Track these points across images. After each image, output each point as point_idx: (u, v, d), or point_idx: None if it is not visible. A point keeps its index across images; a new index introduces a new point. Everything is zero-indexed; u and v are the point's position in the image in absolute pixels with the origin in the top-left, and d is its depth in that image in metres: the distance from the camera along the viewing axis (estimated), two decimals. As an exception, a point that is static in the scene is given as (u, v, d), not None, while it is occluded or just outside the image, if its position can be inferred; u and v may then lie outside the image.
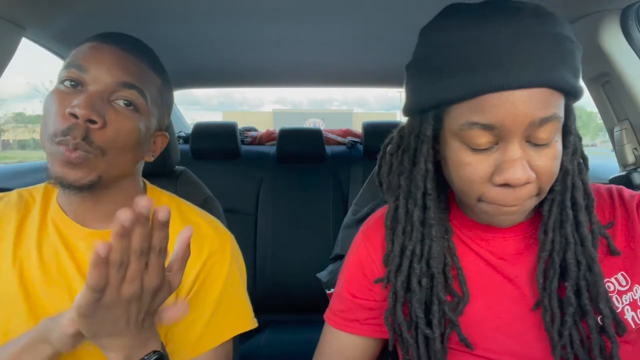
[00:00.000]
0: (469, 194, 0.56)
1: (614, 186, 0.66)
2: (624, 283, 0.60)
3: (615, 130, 1.08)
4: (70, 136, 0.61)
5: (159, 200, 0.78)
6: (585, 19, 0.98)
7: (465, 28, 0.51)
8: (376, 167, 0.71)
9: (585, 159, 0.61)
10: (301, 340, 1.56)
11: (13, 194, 0.76)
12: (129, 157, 0.68)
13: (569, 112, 0.55)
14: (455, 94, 0.52)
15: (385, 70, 1.77)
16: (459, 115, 0.53)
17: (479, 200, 0.56)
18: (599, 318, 0.57)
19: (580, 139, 0.60)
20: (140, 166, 0.76)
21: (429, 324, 0.61)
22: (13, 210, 0.73)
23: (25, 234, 0.71)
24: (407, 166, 0.62)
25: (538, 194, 0.55)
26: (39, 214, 0.72)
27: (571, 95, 0.54)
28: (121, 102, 0.65)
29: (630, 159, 1.06)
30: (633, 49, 0.98)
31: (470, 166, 0.54)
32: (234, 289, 0.74)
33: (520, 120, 0.50)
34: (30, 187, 0.77)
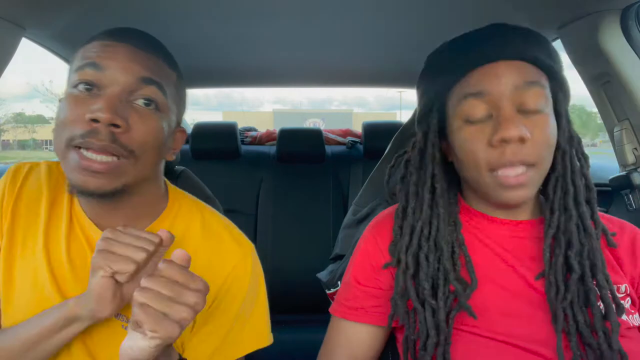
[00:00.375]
0: (478, 167, 0.62)
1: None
2: (622, 290, 0.65)
3: (615, 130, 1.08)
4: (93, 139, 0.58)
5: (181, 205, 0.75)
6: (585, 19, 0.98)
7: (456, 38, 0.67)
8: (385, 174, 0.78)
9: (585, 157, 0.68)
10: (301, 340, 1.55)
11: (42, 165, 0.73)
12: (155, 159, 0.66)
13: (556, 97, 0.64)
14: (449, 78, 0.64)
15: (385, 70, 1.77)
16: (455, 95, 0.64)
17: (490, 170, 0.61)
18: (600, 306, 0.61)
19: (569, 121, 0.67)
20: (162, 167, 0.73)
21: (434, 296, 0.64)
22: (44, 185, 0.71)
23: (55, 221, 0.69)
24: (417, 157, 0.70)
25: (535, 164, 0.60)
26: (66, 209, 0.70)
27: (552, 76, 0.63)
28: (141, 102, 0.62)
29: (630, 159, 1.05)
30: (633, 49, 0.98)
31: (471, 137, 0.62)
32: (253, 305, 0.74)
33: (504, 83, 0.60)
34: (58, 162, 0.71)
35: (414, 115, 1.02)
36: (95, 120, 0.58)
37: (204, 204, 0.79)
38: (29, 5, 0.91)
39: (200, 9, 1.08)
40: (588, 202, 0.66)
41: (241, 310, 0.71)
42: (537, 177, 0.62)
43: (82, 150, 0.59)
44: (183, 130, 0.74)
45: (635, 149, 1.04)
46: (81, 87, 0.61)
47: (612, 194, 1.16)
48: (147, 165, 0.65)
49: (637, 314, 0.64)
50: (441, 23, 1.14)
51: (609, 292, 0.61)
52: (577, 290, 0.61)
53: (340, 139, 2.29)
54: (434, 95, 0.67)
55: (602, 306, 0.61)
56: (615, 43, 0.97)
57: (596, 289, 0.61)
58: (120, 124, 0.59)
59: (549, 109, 0.62)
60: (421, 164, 0.70)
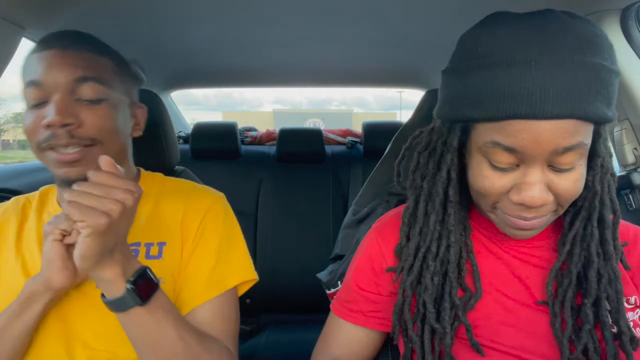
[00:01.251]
0: (484, 202, 0.59)
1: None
2: (632, 301, 0.62)
3: (615, 130, 1.08)
4: (55, 140, 0.66)
5: (153, 181, 0.84)
6: (585, 19, 0.98)
7: (504, 52, 0.50)
8: (394, 169, 0.73)
9: (614, 175, 0.61)
10: (301, 340, 1.55)
11: (9, 201, 0.82)
12: (119, 140, 0.74)
13: (598, 135, 0.55)
14: (482, 115, 0.53)
15: (385, 70, 1.77)
16: (484, 133, 0.54)
17: (494, 207, 0.58)
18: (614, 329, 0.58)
19: (611, 156, 0.60)
20: (130, 147, 0.81)
21: (438, 319, 0.62)
22: (12, 215, 0.79)
23: (25, 232, 0.76)
24: (432, 170, 0.63)
25: (556, 211, 0.56)
26: (35, 213, 0.78)
27: (602, 123, 0.54)
28: (84, 99, 0.69)
29: (630, 159, 1.05)
30: (633, 49, 0.98)
31: (488, 180, 0.55)
32: (231, 240, 0.81)
33: (543, 148, 0.50)
34: (27, 194, 0.84)
35: (414, 115, 1.02)
36: (51, 126, 0.65)
37: (176, 178, 0.89)
38: (29, 5, 0.91)
39: (200, 9, 1.08)
40: (613, 224, 0.60)
41: (220, 246, 0.78)
42: (552, 219, 0.58)
43: (52, 150, 0.67)
44: (141, 107, 0.81)
45: (635, 149, 1.04)
46: (32, 104, 0.69)
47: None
48: (115, 146, 0.73)
49: None
50: (441, 23, 1.14)
51: (628, 337, 0.57)
52: (590, 331, 0.58)
53: (340, 139, 2.28)
54: (460, 118, 0.57)
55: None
56: (615, 43, 0.97)
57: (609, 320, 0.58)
58: (71, 122, 0.66)
59: (584, 159, 0.55)
60: (434, 180, 0.63)
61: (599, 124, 0.53)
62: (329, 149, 2.15)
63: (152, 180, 0.85)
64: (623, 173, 1.10)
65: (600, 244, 0.59)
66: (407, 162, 0.69)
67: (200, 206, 0.80)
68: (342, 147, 2.21)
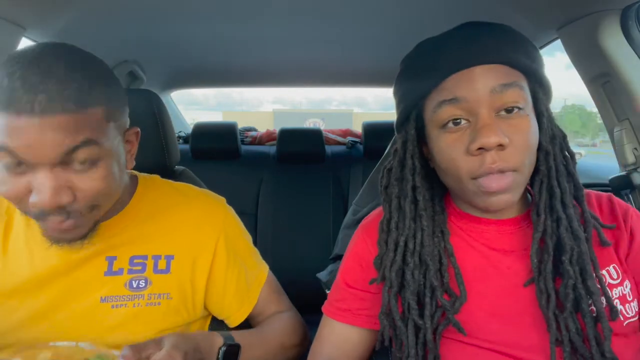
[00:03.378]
0: (459, 175, 0.60)
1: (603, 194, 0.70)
2: (615, 276, 0.62)
3: (615, 130, 1.08)
4: (47, 219, 0.58)
5: (152, 186, 0.79)
6: (585, 19, 0.98)
7: (428, 41, 0.65)
8: (380, 176, 0.73)
9: (572, 154, 0.65)
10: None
11: None
12: (116, 191, 0.65)
13: (536, 96, 0.62)
14: (424, 85, 0.62)
15: (384, 70, 1.76)
16: (431, 102, 0.62)
17: (472, 178, 0.59)
18: (592, 311, 0.59)
19: (551, 117, 0.64)
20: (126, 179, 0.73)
21: (421, 315, 0.63)
22: None
23: (11, 241, 0.71)
24: (398, 168, 0.68)
25: (517, 169, 0.58)
26: (23, 219, 0.72)
27: (530, 75, 0.61)
28: (77, 166, 0.57)
29: (630, 159, 1.05)
30: (633, 49, 0.98)
31: (450, 145, 0.60)
32: (246, 244, 0.85)
33: (480, 88, 0.57)
34: None
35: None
36: (41, 207, 0.56)
37: (173, 182, 0.85)
38: (29, 5, 0.91)
39: (200, 10, 1.08)
40: (577, 199, 0.63)
41: (245, 250, 0.83)
42: (520, 180, 0.60)
43: (43, 221, 0.59)
44: (135, 130, 0.70)
45: (635, 149, 1.04)
46: (9, 166, 0.55)
47: (612, 194, 1.16)
48: (112, 201, 0.66)
49: (635, 301, 0.62)
50: (440, 23, 1.14)
51: (601, 297, 0.58)
52: (568, 297, 0.59)
53: (340, 139, 2.28)
54: (410, 103, 0.65)
55: (594, 312, 0.59)
56: (615, 43, 0.97)
57: (587, 294, 0.58)
58: (67, 202, 0.57)
59: (529, 110, 0.60)
60: (402, 175, 0.67)
61: (525, 73, 0.60)
62: (329, 149, 2.15)
63: (151, 186, 0.80)
64: (623, 173, 1.10)
65: (562, 208, 0.61)
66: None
67: (214, 219, 0.79)
68: (342, 147, 2.21)
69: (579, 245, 0.60)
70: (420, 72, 0.63)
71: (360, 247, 0.73)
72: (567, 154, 0.64)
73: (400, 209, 0.67)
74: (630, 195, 1.10)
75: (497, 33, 0.61)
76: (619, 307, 0.60)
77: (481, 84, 0.58)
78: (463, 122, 0.59)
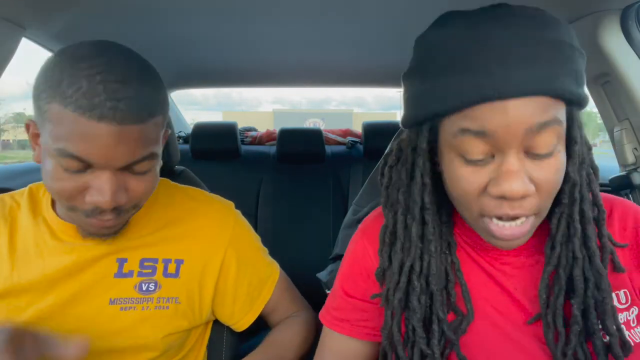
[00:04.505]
0: (469, 209, 0.54)
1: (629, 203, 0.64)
2: (623, 301, 0.58)
3: (615, 130, 1.08)
4: (98, 216, 0.61)
5: (166, 194, 0.79)
6: (585, 19, 0.98)
7: (456, 34, 0.49)
8: (379, 174, 0.68)
9: (595, 169, 0.58)
10: (301, 340, 1.55)
11: None
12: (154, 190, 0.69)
13: (572, 120, 0.52)
14: (446, 106, 0.50)
15: (385, 70, 1.77)
16: (452, 123, 0.51)
17: (481, 215, 0.53)
18: (606, 339, 0.55)
19: (590, 148, 0.57)
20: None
21: (428, 342, 0.58)
22: None
23: (19, 243, 0.70)
24: (405, 180, 0.60)
25: (538, 213, 0.52)
26: (30, 218, 0.71)
27: (574, 102, 0.50)
28: (136, 171, 0.61)
29: (630, 159, 1.05)
30: (633, 49, 0.98)
31: (464, 178, 0.51)
32: (256, 246, 0.86)
33: (515, 128, 0.47)
34: (12, 192, 0.75)
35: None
36: (99, 205, 0.59)
37: (182, 185, 0.84)
38: (29, 5, 0.91)
39: (200, 9, 1.08)
40: (596, 222, 0.56)
41: (257, 250, 0.84)
42: (538, 222, 0.53)
43: (90, 218, 0.61)
44: (167, 132, 0.71)
45: (635, 149, 1.04)
46: (70, 169, 0.57)
47: (612, 194, 1.17)
48: (150, 198, 0.68)
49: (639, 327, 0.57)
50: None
51: (618, 338, 0.54)
52: (579, 334, 0.54)
53: (340, 139, 2.29)
54: (423, 113, 0.54)
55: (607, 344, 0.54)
56: (615, 43, 0.97)
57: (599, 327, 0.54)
58: (122, 203, 0.61)
59: (562, 144, 0.51)
60: (409, 190, 0.59)
61: (570, 102, 0.50)
62: (329, 149, 2.15)
63: (163, 189, 0.78)
64: (623, 173, 1.10)
65: (583, 243, 0.55)
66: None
67: (224, 225, 0.79)
68: (342, 147, 2.21)
69: (600, 285, 0.54)
70: (440, 78, 0.50)
71: (360, 254, 0.67)
72: (590, 170, 0.57)
73: (406, 228, 0.60)
74: (630, 195, 1.10)
75: (556, 45, 0.48)
76: (625, 332, 0.56)
77: (516, 119, 0.47)
78: (485, 156, 0.50)
